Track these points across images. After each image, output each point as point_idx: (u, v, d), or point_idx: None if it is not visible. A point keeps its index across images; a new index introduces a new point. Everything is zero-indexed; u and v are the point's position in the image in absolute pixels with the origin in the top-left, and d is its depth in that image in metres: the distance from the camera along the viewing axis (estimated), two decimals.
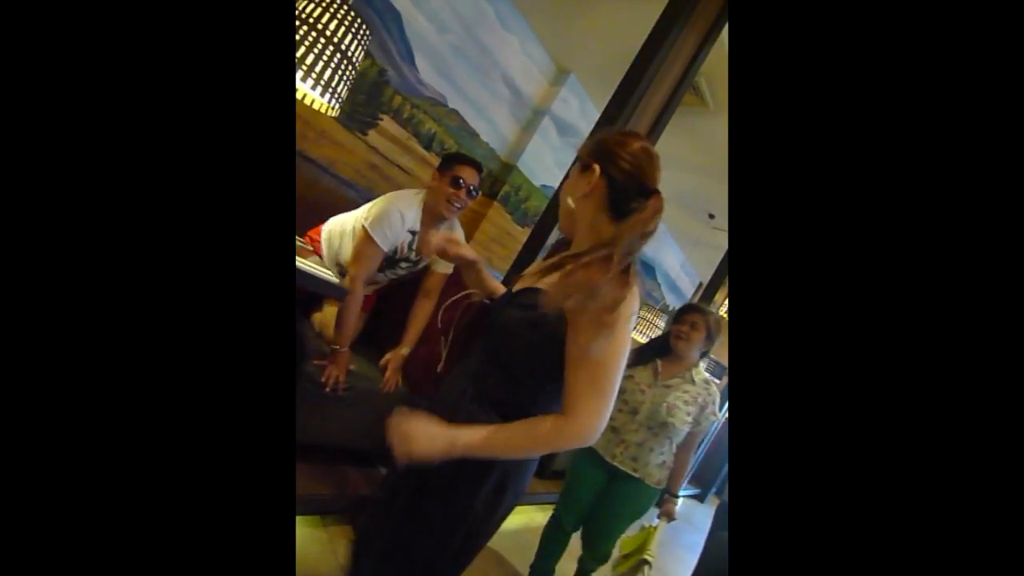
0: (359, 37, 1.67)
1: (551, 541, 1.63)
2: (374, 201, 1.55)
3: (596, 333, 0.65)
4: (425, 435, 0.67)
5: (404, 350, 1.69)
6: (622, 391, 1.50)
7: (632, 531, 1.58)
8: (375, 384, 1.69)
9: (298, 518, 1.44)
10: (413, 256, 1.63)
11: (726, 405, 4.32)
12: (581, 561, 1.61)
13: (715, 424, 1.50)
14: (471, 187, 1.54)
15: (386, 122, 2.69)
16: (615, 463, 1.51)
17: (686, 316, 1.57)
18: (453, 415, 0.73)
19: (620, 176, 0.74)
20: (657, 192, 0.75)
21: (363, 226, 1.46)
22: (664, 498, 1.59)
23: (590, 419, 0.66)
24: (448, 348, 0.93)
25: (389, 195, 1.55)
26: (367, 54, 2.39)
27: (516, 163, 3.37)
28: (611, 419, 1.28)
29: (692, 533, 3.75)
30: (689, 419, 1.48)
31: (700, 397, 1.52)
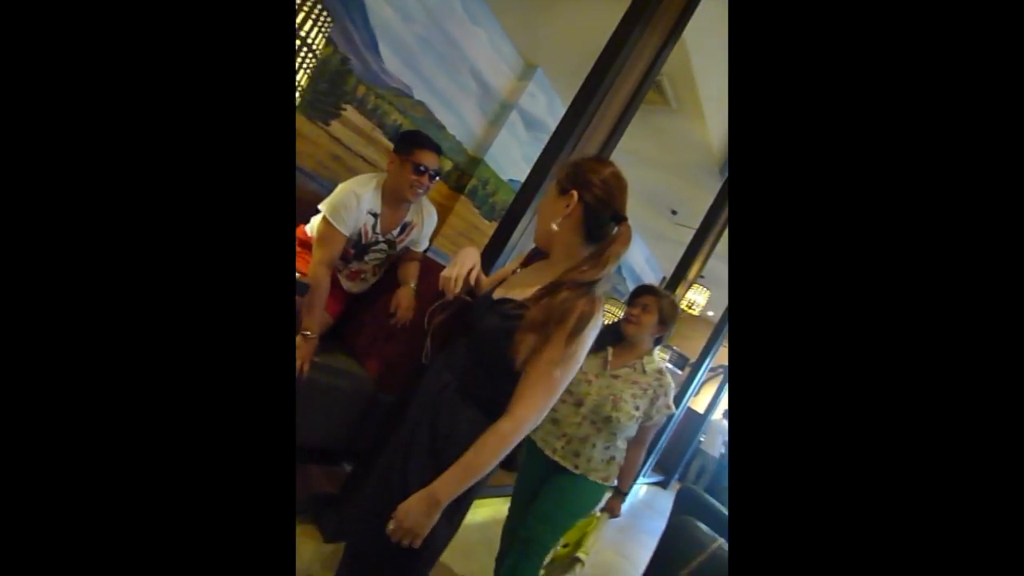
0: (319, 23, 1.62)
1: (506, 534, 1.50)
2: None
3: (561, 353, 0.76)
4: (415, 514, 0.74)
5: (412, 284, 1.72)
6: None
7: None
8: (339, 382, 1.66)
9: None
10: (381, 238, 1.63)
11: (688, 396, 4.48)
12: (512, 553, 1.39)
13: (675, 416, 1.56)
14: (432, 172, 1.56)
15: (349, 112, 2.62)
16: (555, 457, 1.36)
17: (638, 298, 1.44)
18: (436, 408, 0.83)
19: (594, 202, 0.84)
20: (625, 219, 0.86)
21: (321, 213, 1.51)
22: (612, 495, 1.49)
23: (529, 414, 0.76)
24: (430, 341, 0.99)
25: (346, 181, 1.57)
26: (328, 41, 2.32)
27: (483, 157, 3.36)
28: (553, 410, 1.27)
29: (655, 519, 3.88)
30: (637, 413, 1.34)
31: (651, 389, 1.37)
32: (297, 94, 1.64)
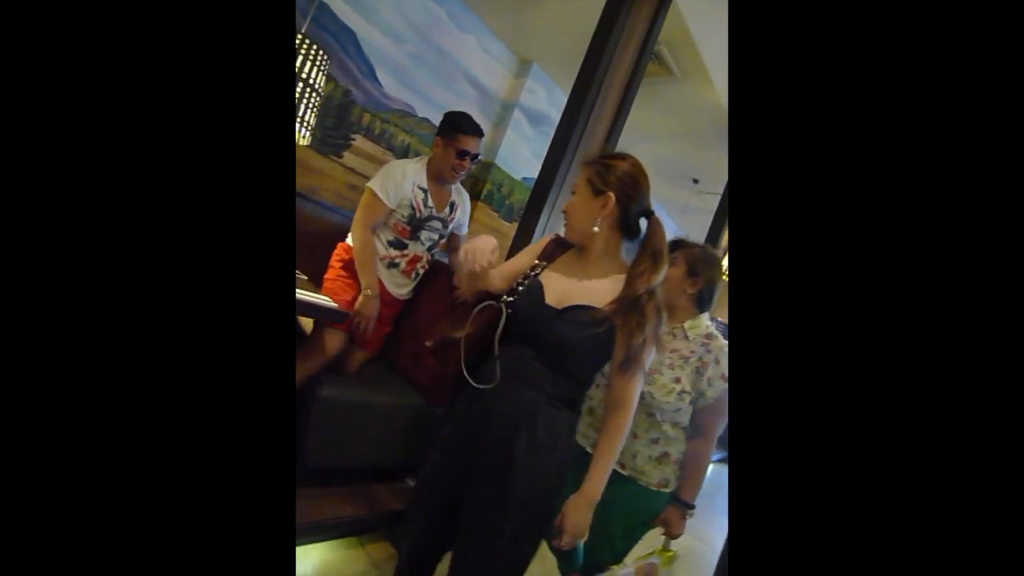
0: (318, 63, 1.67)
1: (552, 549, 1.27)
2: None
3: (649, 354, 0.88)
4: (583, 520, 0.86)
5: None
6: None
7: (645, 548, 1.20)
8: (388, 399, 1.71)
9: (336, 541, 1.46)
10: (435, 213, 1.70)
11: None
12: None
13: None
14: (474, 156, 1.65)
15: (359, 141, 2.70)
16: None
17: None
18: (532, 422, 0.89)
19: (627, 201, 0.91)
20: (653, 212, 0.94)
21: (367, 187, 1.60)
22: (669, 504, 1.15)
23: (634, 403, 0.89)
24: (466, 351, 0.97)
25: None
26: (329, 78, 2.40)
27: (494, 160, 3.38)
28: (589, 397, 1.17)
29: (726, 497, 3.77)
30: (678, 387, 1.10)
31: (695, 357, 1.12)
32: (308, 132, 1.70)
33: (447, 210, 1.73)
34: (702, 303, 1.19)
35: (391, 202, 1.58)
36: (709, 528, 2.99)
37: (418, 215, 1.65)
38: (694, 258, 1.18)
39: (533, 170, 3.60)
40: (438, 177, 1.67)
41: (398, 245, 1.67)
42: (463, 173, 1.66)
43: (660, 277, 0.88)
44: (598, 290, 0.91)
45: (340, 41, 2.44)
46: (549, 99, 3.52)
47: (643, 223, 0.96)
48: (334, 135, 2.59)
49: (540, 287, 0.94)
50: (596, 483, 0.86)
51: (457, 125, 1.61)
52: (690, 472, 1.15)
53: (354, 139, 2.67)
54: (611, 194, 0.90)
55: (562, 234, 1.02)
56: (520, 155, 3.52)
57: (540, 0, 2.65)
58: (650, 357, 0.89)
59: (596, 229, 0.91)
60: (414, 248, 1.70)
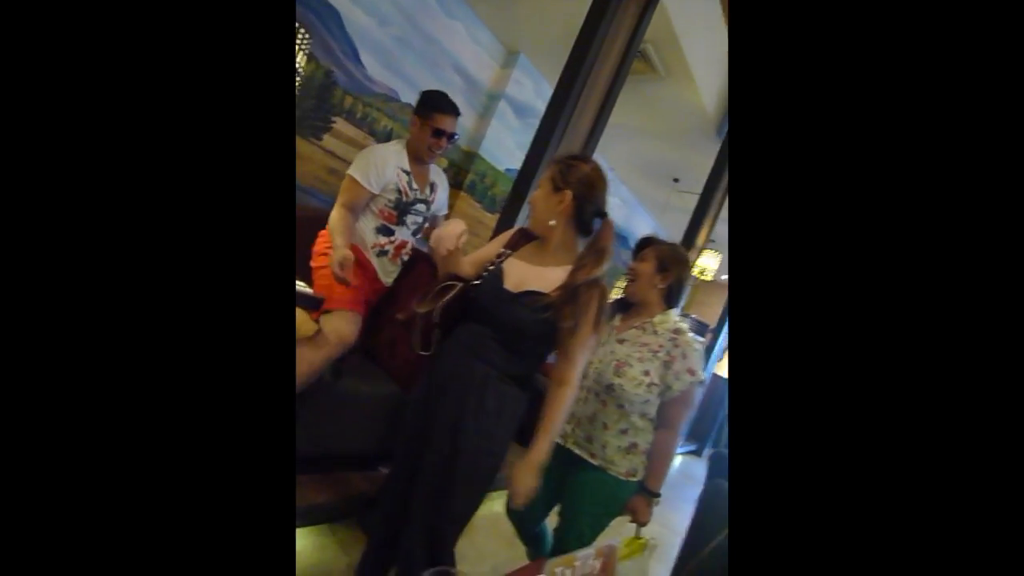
0: (299, 41, 1.63)
1: (520, 526, 1.35)
2: None
3: (591, 336, 0.96)
4: (526, 480, 0.93)
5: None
6: None
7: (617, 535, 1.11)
8: (364, 388, 1.70)
9: (307, 528, 1.45)
10: (420, 195, 1.67)
11: (713, 362, 4.45)
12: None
13: (702, 385, 1.18)
14: (451, 135, 1.61)
15: (340, 124, 2.64)
16: (568, 445, 1.20)
17: (636, 252, 1.28)
18: (481, 394, 0.97)
19: (583, 199, 1.00)
20: (606, 214, 1.04)
21: (347, 174, 1.55)
22: (636, 493, 1.18)
23: (578, 377, 0.97)
24: (439, 330, 1.07)
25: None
26: (310, 57, 2.34)
27: (478, 150, 3.36)
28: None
29: (693, 488, 3.90)
30: (646, 379, 1.13)
31: (663, 351, 1.15)
32: None
33: (428, 191, 1.71)
34: (671, 299, 1.24)
35: (374, 187, 1.55)
36: (674, 516, 3.09)
37: (404, 198, 1.63)
38: (664, 255, 1.23)
39: (517, 161, 3.59)
40: (417, 157, 1.65)
41: (385, 231, 1.64)
42: (439, 152, 1.63)
43: (601, 271, 0.98)
44: (551, 278, 0.99)
45: (323, 19, 2.37)
46: (535, 91, 3.51)
47: (598, 223, 1.06)
48: (313, 117, 2.52)
49: (501, 273, 1.03)
50: (540, 449, 0.94)
51: (433, 103, 1.57)
52: (656, 462, 1.18)
53: (334, 122, 2.62)
54: (569, 192, 1.00)
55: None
56: (504, 146, 3.51)
57: None
58: (591, 340, 0.97)
59: (553, 223, 1.00)
60: (400, 234, 1.68)
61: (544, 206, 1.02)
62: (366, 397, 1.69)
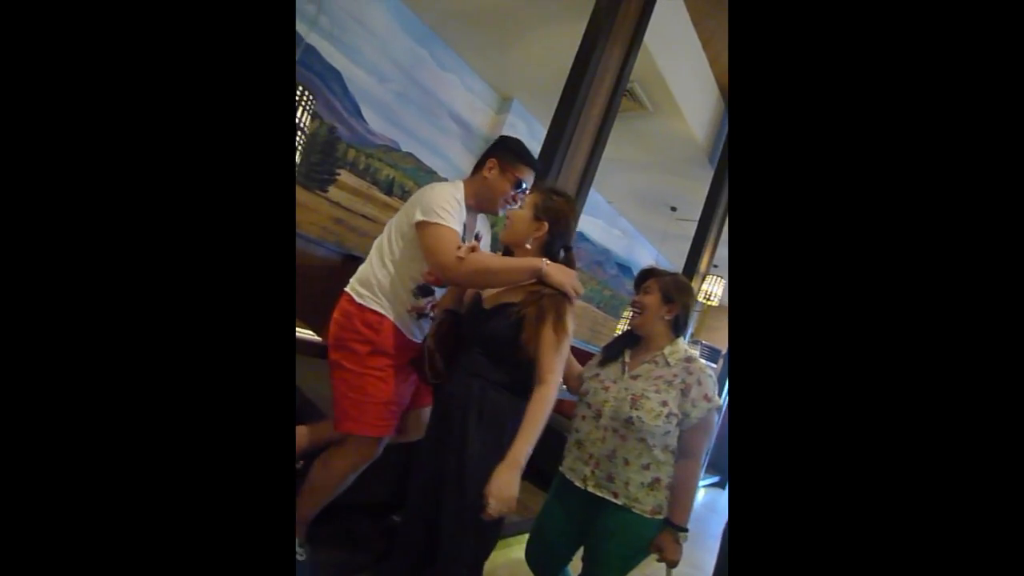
0: (304, 103, 1.72)
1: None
2: (403, 208, 1.30)
3: (554, 334, 1.03)
4: (507, 484, 0.92)
5: None
6: (584, 393, 1.23)
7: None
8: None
9: None
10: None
11: (728, 388, 4.36)
12: None
13: (720, 411, 1.22)
14: (527, 190, 1.34)
15: (344, 176, 2.75)
16: (590, 489, 1.15)
17: (639, 286, 1.27)
18: (480, 405, 1.04)
19: (555, 233, 1.13)
20: (572, 248, 1.17)
21: (421, 220, 1.18)
22: (662, 531, 1.13)
23: (555, 377, 1.02)
24: (443, 358, 1.17)
25: (426, 188, 1.28)
26: (314, 116, 2.46)
27: None
28: (575, 431, 1.25)
29: (719, 522, 3.73)
30: (665, 410, 1.12)
31: (678, 380, 1.15)
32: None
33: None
34: (678, 329, 1.24)
35: (458, 225, 1.19)
36: (701, 554, 2.94)
37: None
38: (667, 286, 1.23)
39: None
40: (479, 207, 1.35)
41: (426, 292, 1.29)
42: (513, 207, 1.32)
43: (565, 287, 1.08)
44: (520, 292, 1.10)
45: (326, 81, 2.51)
46: (529, 133, 3.64)
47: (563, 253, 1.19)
48: (319, 170, 2.63)
49: (480, 296, 1.16)
50: (519, 450, 0.95)
51: (519, 154, 1.31)
52: (680, 494, 1.15)
53: (339, 174, 2.72)
54: (546, 224, 1.12)
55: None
56: None
57: (519, 41, 2.78)
58: (554, 339, 1.03)
59: (528, 246, 1.12)
60: (440, 292, 1.34)
61: (522, 228, 1.14)
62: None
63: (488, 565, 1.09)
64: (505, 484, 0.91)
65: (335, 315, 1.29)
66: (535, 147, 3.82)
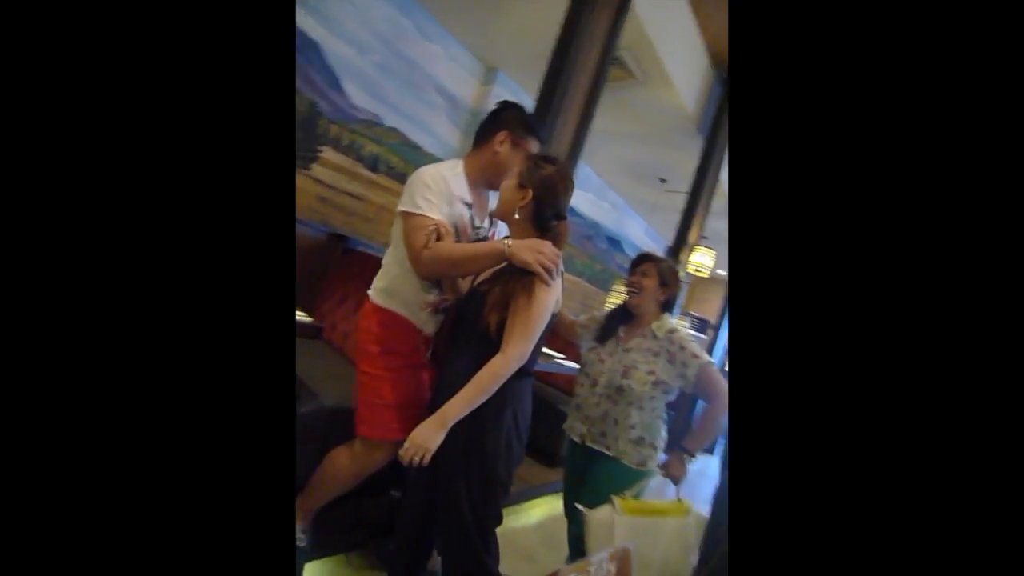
0: None
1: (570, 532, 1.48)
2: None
3: (523, 312, 0.99)
4: (424, 435, 0.93)
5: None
6: (584, 364, 1.42)
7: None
8: None
9: (320, 560, 1.43)
10: (483, 232, 1.27)
11: (718, 355, 4.45)
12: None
13: (711, 364, 1.34)
14: None
15: (327, 153, 2.67)
16: (587, 443, 1.37)
17: (636, 267, 1.43)
18: (453, 383, 1.00)
19: (543, 202, 1.06)
20: (565, 218, 1.09)
21: (400, 211, 1.15)
22: (671, 455, 1.37)
23: (516, 350, 0.99)
24: (442, 342, 1.18)
25: (419, 170, 1.19)
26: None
27: None
28: (576, 396, 1.41)
29: (710, 487, 3.85)
30: (651, 379, 1.30)
31: (663, 351, 1.33)
32: None
33: (487, 224, 1.29)
34: (667, 307, 1.43)
35: (438, 212, 1.13)
36: None
37: (463, 240, 1.21)
38: (664, 271, 1.41)
39: None
40: (487, 183, 1.25)
41: (439, 283, 1.23)
42: None
43: (530, 265, 1.02)
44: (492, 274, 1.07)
45: (304, 52, 2.42)
46: None
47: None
48: (301, 148, 2.56)
49: (475, 278, 1.14)
50: (450, 410, 0.96)
51: (529, 125, 1.23)
52: (699, 429, 1.37)
53: (321, 151, 2.65)
54: (529, 192, 1.06)
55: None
56: None
57: (504, 9, 2.69)
58: (530, 321, 0.99)
59: (517, 216, 1.06)
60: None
61: (508, 197, 1.09)
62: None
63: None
64: (422, 433, 0.94)
65: (359, 321, 1.26)
66: None
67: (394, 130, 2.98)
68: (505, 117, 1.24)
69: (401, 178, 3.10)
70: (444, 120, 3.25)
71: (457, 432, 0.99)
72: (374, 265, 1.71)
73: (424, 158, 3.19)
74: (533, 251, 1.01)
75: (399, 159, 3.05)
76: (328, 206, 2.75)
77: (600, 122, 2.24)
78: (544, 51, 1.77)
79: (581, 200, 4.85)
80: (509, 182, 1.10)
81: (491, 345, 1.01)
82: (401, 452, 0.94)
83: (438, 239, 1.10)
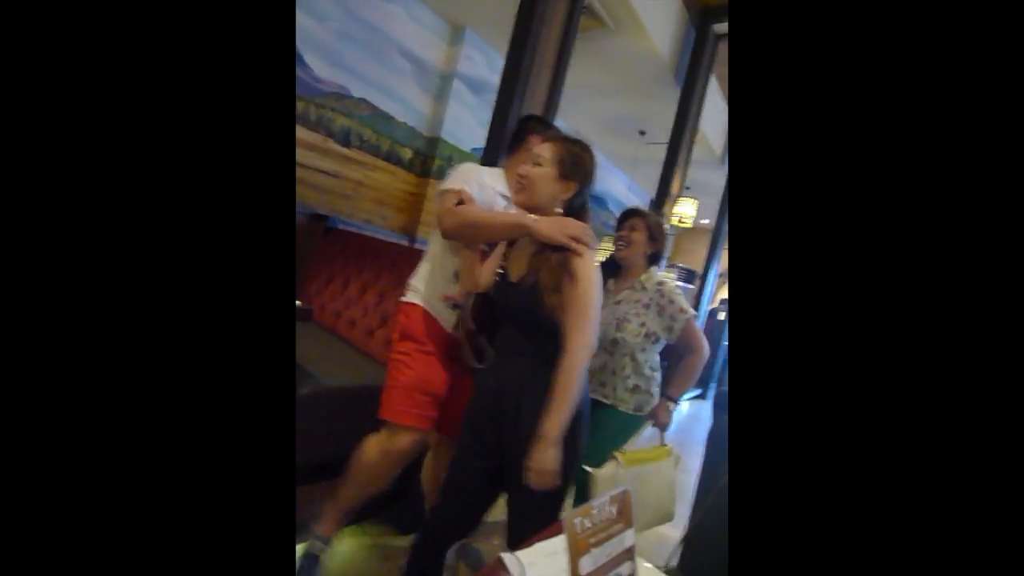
0: None
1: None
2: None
3: (574, 294, 0.96)
4: (543, 460, 0.90)
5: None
6: None
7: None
8: (370, 383, 1.71)
9: (335, 535, 1.48)
10: None
11: (705, 305, 4.53)
12: None
13: (696, 317, 1.44)
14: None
15: (296, 131, 2.58)
16: (590, 395, 1.40)
17: (625, 221, 1.46)
18: (533, 386, 0.97)
19: (582, 192, 1.03)
20: (586, 203, 1.07)
21: (439, 191, 1.22)
22: (659, 403, 1.43)
23: (579, 341, 0.95)
24: (483, 338, 1.11)
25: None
26: None
27: (440, 134, 3.31)
28: None
29: (703, 429, 4.01)
30: (642, 330, 1.38)
31: (653, 303, 1.40)
32: None
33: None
34: (654, 260, 1.47)
35: (473, 190, 1.20)
36: (690, 460, 3.18)
37: None
38: (653, 226, 1.44)
39: (481, 140, 3.55)
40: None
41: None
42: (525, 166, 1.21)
43: (558, 239, 1.01)
44: (526, 260, 1.02)
45: None
46: (488, 65, 3.44)
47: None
48: None
49: (506, 272, 1.08)
50: (550, 427, 0.92)
51: (555, 128, 1.33)
52: (680, 376, 1.44)
53: None
54: (575, 184, 1.01)
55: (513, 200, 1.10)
56: (466, 126, 3.46)
57: None
58: (583, 302, 0.96)
59: (558, 210, 1.01)
60: None
61: (548, 188, 1.01)
62: (369, 393, 1.70)
63: None
64: (541, 461, 0.89)
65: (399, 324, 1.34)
66: (496, 80, 3.65)
67: (363, 101, 2.87)
68: (532, 125, 1.35)
69: (375, 150, 3.01)
70: (413, 86, 3.14)
71: (514, 439, 0.96)
72: (357, 242, 1.70)
73: (397, 128, 3.10)
74: (558, 225, 0.99)
75: (371, 131, 2.96)
76: (303, 186, 2.68)
77: (575, 76, 2.18)
78: (511, 4, 1.70)
79: None
80: (544, 171, 1.01)
81: (548, 335, 0.97)
82: (532, 484, 0.90)
83: (460, 203, 1.13)
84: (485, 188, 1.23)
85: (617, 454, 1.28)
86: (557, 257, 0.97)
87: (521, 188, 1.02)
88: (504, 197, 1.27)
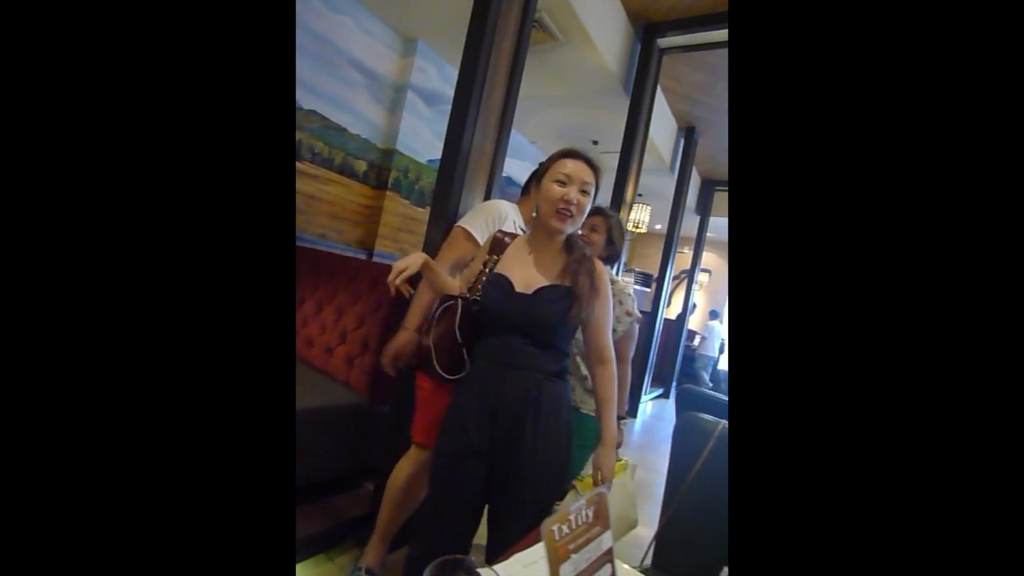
0: None
1: None
2: None
3: (604, 309, 1.07)
4: (610, 463, 1.04)
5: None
6: None
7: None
8: (329, 402, 1.65)
9: (302, 564, 1.41)
10: None
11: (663, 309, 4.68)
12: None
13: (638, 322, 1.48)
14: None
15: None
16: None
17: (587, 220, 1.41)
18: (537, 403, 1.00)
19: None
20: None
21: (456, 226, 1.39)
22: None
23: (612, 355, 1.08)
24: (463, 346, 1.10)
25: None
26: None
27: (395, 146, 3.27)
28: (578, 366, 1.42)
29: (667, 428, 4.12)
30: None
31: None
32: None
33: None
34: (609, 261, 1.48)
35: (480, 236, 1.36)
36: (656, 458, 3.26)
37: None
38: (612, 228, 1.47)
39: (437, 151, 3.53)
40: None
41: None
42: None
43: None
44: (553, 269, 1.07)
45: None
46: (441, 76, 3.44)
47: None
48: None
49: (507, 279, 1.05)
50: (610, 430, 1.04)
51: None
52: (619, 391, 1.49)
53: None
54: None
55: (522, 229, 1.26)
56: (421, 137, 3.44)
57: None
58: (606, 310, 1.06)
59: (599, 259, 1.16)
60: None
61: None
62: (329, 413, 1.64)
63: None
64: (610, 463, 1.03)
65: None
66: (450, 91, 3.65)
67: (313, 112, 2.80)
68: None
69: (328, 163, 2.94)
70: (366, 98, 3.09)
71: (516, 456, 0.99)
72: (311, 257, 1.62)
73: (350, 140, 3.03)
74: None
75: (323, 144, 2.88)
76: None
77: (528, 88, 2.22)
78: (462, 17, 1.71)
79: (518, 168, 4.83)
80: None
81: (558, 350, 1.05)
82: (604, 483, 1.03)
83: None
84: (496, 224, 1.37)
85: (576, 483, 1.23)
86: (585, 271, 1.04)
87: (589, 244, 1.32)
88: (523, 231, 1.38)
